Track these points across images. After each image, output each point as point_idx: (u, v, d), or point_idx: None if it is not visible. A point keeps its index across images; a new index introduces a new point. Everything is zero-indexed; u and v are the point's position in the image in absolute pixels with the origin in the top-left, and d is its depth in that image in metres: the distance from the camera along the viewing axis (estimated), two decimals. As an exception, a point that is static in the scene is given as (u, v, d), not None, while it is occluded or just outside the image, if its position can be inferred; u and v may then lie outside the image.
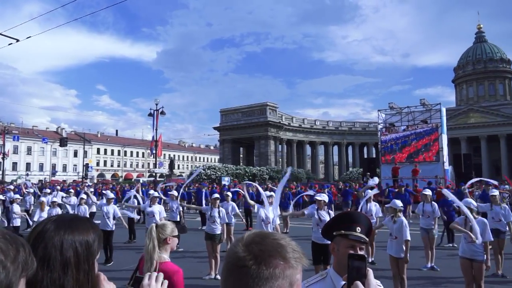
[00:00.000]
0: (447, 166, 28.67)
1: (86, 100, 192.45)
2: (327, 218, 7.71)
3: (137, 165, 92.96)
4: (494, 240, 6.68)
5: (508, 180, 19.88)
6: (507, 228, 8.61)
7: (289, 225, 15.87)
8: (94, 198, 15.33)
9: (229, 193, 11.83)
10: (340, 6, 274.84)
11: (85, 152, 62.01)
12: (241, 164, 59.81)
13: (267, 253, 0.93)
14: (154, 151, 29.55)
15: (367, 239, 1.91)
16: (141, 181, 37.53)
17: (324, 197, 8.03)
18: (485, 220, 6.28)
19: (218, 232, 8.41)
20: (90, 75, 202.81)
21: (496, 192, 9.16)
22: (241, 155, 67.52)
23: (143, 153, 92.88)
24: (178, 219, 12.20)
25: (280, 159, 60.94)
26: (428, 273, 8.59)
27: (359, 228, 1.89)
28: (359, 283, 1.16)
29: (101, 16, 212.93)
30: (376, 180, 11.50)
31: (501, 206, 8.69)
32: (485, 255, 5.91)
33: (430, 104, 30.54)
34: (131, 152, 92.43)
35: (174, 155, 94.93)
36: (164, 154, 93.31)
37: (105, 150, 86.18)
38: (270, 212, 7.90)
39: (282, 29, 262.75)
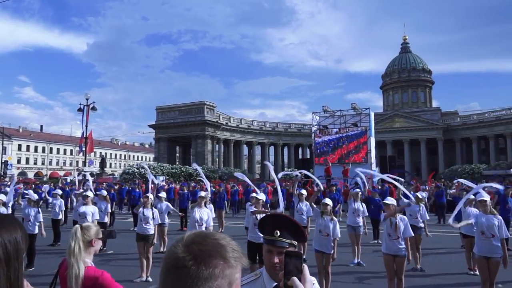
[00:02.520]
0: (374, 167, 30.47)
1: (6, 91, 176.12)
2: (264, 218, 7.82)
3: (64, 163, 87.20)
4: (412, 236, 7.19)
5: (417, 183, 21.84)
6: (422, 225, 9.41)
7: (224, 225, 15.89)
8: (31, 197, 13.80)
9: (164, 193, 11.57)
10: (277, 9, 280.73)
11: (4, 149, 56.93)
12: (177, 163, 58.71)
13: (207, 253, 0.92)
14: (83, 149, 27.97)
15: (287, 241, 1.84)
16: (68, 180, 35.34)
17: (262, 196, 8.16)
18: (405, 217, 6.76)
19: (151, 232, 8.16)
20: (11, 64, 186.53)
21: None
22: (177, 154, 66.28)
23: (71, 150, 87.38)
24: (106, 221, 11.64)
25: (217, 159, 60.77)
26: (354, 269, 9.06)
27: (278, 232, 1.85)
28: (295, 279, 1.18)
29: (25, 1, 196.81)
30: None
31: (419, 205, 9.45)
32: (408, 251, 6.35)
33: (360, 109, 32.30)
34: (58, 149, 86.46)
35: (105, 153, 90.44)
36: (95, 152, 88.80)
37: (28, 147, 79.69)
38: (204, 213, 7.84)
39: (220, 29, 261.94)
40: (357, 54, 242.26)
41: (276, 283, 1.80)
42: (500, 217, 6.15)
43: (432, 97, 75.18)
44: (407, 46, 76.53)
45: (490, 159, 54.98)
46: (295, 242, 1.88)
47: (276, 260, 1.83)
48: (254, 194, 9.17)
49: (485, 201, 6.25)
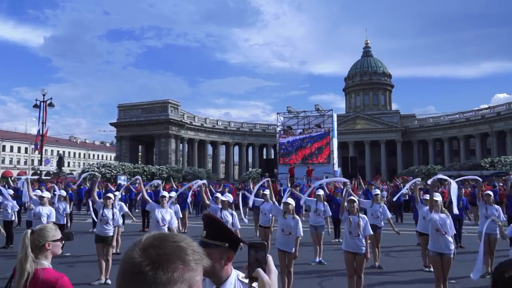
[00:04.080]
0: (336, 167, 31.21)
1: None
2: (230, 219, 7.82)
3: (18, 162, 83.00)
4: (371, 235, 7.42)
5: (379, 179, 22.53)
6: (383, 224, 9.72)
7: (187, 225, 15.72)
8: None
9: (117, 193, 11.30)
10: (242, 9, 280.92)
11: (-49, 146, 53.46)
12: (139, 162, 57.43)
13: (165, 257, 0.89)
14: (39, 146, 26.77)
15: (210, 242, 1.78)
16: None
17: (229, 197, 8.17)
18: (365, 216, 6.96)
19: (111, 234, 7.94)
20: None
21: (378, 191, 10.29)
22: (140, 153, 64.85)
23: (26, 148, 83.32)
24: (64, 222, 11.20)
25: (181, 158, 59.99)
26: (316, 267, 9.23)
27: (205, 232, 1.84)
28: (260, 270, 1.18)
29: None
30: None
31: (380, 205, 9.75)
32: (367, 249, 6.55)
33: (324, 110, 32.95)
34: (11, 147, 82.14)
35: (63, 152, 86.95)
36: (52, 150, 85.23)
37: (-22, 144, 75.44)
38: (167, 214, 7.72)
39: (185, 26, 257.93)
40: (321, 57, 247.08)
41: (215, 286, 1.80)
42: (449, 216, 6.54)
43: (392, 100, 77.91)
44: (368, 50, 78.83)
45: (445, 160, 57.68)
46: (225, 244, 1.77)
47: None
48: (218, 195, 9.20)
49: (437, 201, 6.58)
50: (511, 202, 11.93)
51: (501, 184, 22.76)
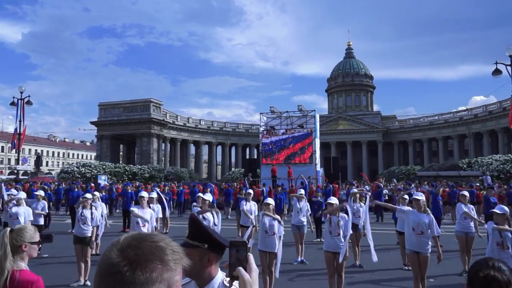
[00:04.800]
0: (319, 167, 31.45)
1: None
2: (211, 219, 7.80)
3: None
4: (352, 234, 7.52)
5: (366, 177, 22.80)
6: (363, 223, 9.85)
7: (169, 225, 15.59)
8: None
9: (96, 193, 11.13)
10: (226, 9, 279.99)
11: None
12: (120, 162, 56.63)
13: (144, 257, 0.89)
14: (17, 145, 26.10)
15: (190, 242, 1.78)
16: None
17: (209, 197, 8.18)
18: (346, 216, 7.04)
19: (89, 234, 7.82)
20: None
21: (356, 191, 10.43)
22: (121, 153, 63.95)
23: (2, 147, 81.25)
24: (42, 223, 10.96)
25: (163, 158, 59.43)
26: (298, 267, 9.30)
27: (187, 232, 1.85)
28: (241, 268, 1.18)
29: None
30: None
31: (361, 204, 9.88)
32: (347, 248, 6.63)
33: (306, 110, 33.15)
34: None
35: (42, 151, 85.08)
36: (30, 149, 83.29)
37: (-48, 143, 73.15)
38: (147, 214, 7.65)
39: (168, 25, 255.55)
40: (304, 57, 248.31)
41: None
42: (431, 216, 6.57)
43: (373, 101, 79.00)
44: (351, 52, 79.72)
45: (424, 161, 58.83)
46: (204, 245, 1.76)
47: None
48: (200, 194, 9.18)
49: (419, 200, 6.63)
50: (488, 202, 12.24)
51: (477, 184, 23.38)
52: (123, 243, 0.93)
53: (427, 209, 6.77)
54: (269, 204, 7.06)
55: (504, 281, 1.68)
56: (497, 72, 20.12)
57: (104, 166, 44.92)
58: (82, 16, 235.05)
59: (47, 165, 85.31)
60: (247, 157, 65.07)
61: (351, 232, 6.83)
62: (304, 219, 10.40)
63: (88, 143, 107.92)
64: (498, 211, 5.93)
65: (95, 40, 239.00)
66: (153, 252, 0.91)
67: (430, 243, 6.44)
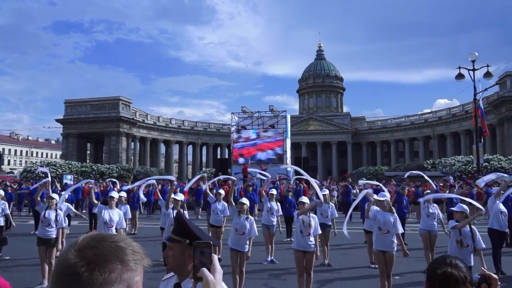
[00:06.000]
0: (289, 168, 31.69)
1: None
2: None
3: (-49, 159, 76.84)
4: (321, 233, 7.64)
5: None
6: (331, 223, 10.05)
7: (138, 225, 15.32)
8: None
9: (63, 192, 10.80)
10: (198, 7, 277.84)
11: None
12: (87, 161, 55.08)
13: (102, 258, 0.87)
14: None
15: (175, 237, 1.86)
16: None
17: (181, 196, 8.15)
18: (315, 215, 7.15)
19: (54, 236, 7.56)
20: None
21: (326, 192, 10.60)
22: (88, 152, 62.19)
23: (-40, 145, 77.40)
24: (2, 225, 10.51)
25: (132, 157, 58.28)
26: (268, 266, 9.35)
27: (172, 227, 1.97)
28: (205, 269, 1.18)
29: None
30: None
31: (329, 204, 10.06)
32: (317, 247, 6.73)
33: (278, 111, 33.41)
34: None
35: (3, 149, 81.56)
36: (-9, 147, 79.68)
37: None
38: (115, 214, 7.49)
39: (138, 21, 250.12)
40: (275, 58, 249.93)
41: (175, 282, 1.88)
42: (395, 215, 6.79)
43: (343, 103, 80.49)
44: (321, 54, 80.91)
45: (391, 161, 60.48)
46: (185, 240, 1.81)
47: (165, 254, 1.91)
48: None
49: (382, 200, 6.86)
50: (451, 200, 12.75)
51: (441, 184, 24.24)
52: (81, 243, 0.91)
53: (392, 208, 6.98)
54: (243, 204, 7.09)
55: (461, 277, 1.76)
56: (460, 76, 20.99)
57: (70, 165, 43.61)
58: (47, 9, 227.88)
59: (9, 164, 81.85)
60: (219, 156, 64.80)
61: (319, 232, 6.93)
62: (274, 219, 10.47)
63: (53, 142, 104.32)
64: (457, 209, 6.19)
65: (61, 35, 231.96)
66: (113, 252, 0.90)
67: (395, 241, 6.64)
